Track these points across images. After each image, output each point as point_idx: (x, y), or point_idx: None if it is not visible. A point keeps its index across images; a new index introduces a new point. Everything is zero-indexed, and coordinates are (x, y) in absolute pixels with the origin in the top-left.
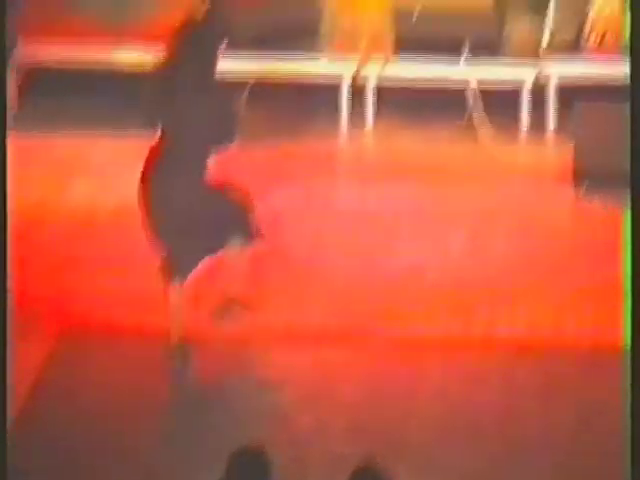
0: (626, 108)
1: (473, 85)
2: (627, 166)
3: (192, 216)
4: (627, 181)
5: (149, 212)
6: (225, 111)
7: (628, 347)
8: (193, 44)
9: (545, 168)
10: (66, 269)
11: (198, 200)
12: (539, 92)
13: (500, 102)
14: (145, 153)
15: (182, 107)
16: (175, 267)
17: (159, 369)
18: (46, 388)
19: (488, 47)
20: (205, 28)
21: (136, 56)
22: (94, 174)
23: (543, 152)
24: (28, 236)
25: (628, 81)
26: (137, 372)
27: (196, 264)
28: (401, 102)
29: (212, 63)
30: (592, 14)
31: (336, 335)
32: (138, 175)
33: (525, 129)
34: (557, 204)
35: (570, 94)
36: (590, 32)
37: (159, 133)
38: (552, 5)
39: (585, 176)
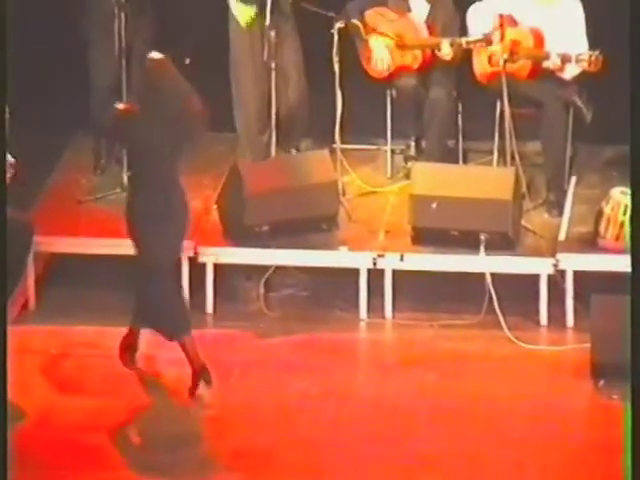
0: None
1: (490, 277)
2: None
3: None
4: None
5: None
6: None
7: None
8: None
9: (563, 360)
10: (67, 470)
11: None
12: (556, 284)
13: (517, 294)
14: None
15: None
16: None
17: None
18: None
19: (505, 239)
20: None
21: None
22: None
23: (561, 344)
24: (30, 437)
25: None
26: None
27: None
28: (419, 292)
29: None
30: (609, 207)
31: None
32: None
33: (543, 321)
34: (575, 397)
35: (587, 286)
36: (607, 225)
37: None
38: (569, 198)
39: (603, 369)
